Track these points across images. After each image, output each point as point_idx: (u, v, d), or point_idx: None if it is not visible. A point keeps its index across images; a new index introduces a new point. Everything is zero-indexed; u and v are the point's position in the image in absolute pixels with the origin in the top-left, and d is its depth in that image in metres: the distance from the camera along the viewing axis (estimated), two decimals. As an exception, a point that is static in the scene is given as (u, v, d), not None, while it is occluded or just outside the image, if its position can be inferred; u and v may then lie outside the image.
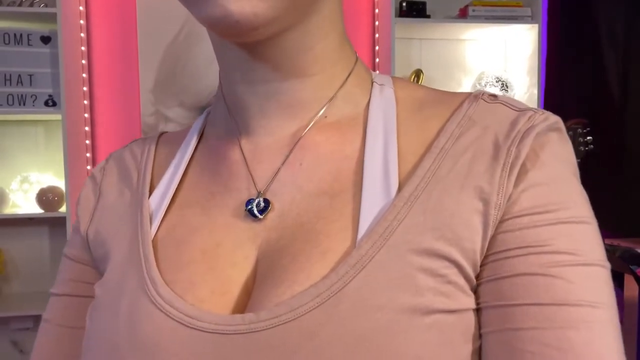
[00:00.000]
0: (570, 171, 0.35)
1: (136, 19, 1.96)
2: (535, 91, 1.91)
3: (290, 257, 0.34)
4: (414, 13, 1.90)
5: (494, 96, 0.37)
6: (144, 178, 0.43)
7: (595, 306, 0.31)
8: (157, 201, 0.41)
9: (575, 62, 1.99)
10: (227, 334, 0.32)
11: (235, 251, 0.37)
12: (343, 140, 0.39)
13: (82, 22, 1.90)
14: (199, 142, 0.45)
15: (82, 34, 1.90)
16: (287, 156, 0.39)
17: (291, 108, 0.39)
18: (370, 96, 0.41)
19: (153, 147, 0.46)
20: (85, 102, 1.92)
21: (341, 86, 0.40)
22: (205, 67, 2.01)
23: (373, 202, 0.35)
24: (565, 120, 0.38)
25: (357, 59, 0.42)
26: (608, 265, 0.33)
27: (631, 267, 1.55)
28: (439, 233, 0.33)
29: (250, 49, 0.37)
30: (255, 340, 0.31)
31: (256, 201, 0.37)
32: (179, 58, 1.99)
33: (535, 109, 0.36)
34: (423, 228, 0.33)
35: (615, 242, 1.66)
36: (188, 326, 0.33)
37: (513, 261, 0.32)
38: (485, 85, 2.01)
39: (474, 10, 1.88)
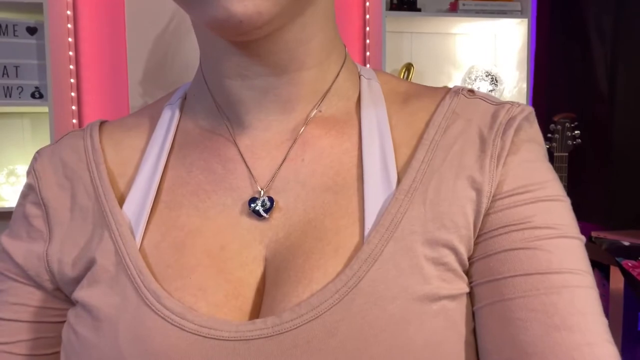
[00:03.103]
0: (543, 154, 0.38)
1: (124, 10, 1.94)
2: (525, 85, 1.92)
3: (304, 255, 0.34)
4: (405, 7, 1.90)
5: (472, 92, 0.40)
6: (100, 178, 0.39)
7: (575, 272, 0.33)
8: (137, 204, 0.38)
9: (564, 57, 2.00)
10: (250, 339, 0.32)
11: (242, 252, 0.36)
12: (342, 133, 0.39)
13: (69, 12, 1.87)
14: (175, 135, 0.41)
15: (69, 25, 1.87)
16: (288, 152, 0.38)
17: (289, 102, 0.39)
18: (360, 90, 0.42)
19: (97, 139, 0.42)
20: (73, 94, 1.89)
21: (334, 80, 0.40)
22: (195, 59, 1.98)
23: (375, 196, 0.35)
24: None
25: (346, 51, 0.42)
26: (583, 238, 0.36)
27: (617, 259, 1.57)
28: (439, 223, 0.34)
29: (247, 46, 0.36)
30: (279, 343, 0.31)
31: (261, 200, 0.37)
32: (169, 49, 1.97)
33: (510, 101, 0.39)
34: (425, 219, 0.34)
35: (602, 234, 1.68)
36: (206, 337, 0.32)
37: (498, 239, 0.35)
38: (475, 79, 2.01)
39: (464, 5, 1.88)
